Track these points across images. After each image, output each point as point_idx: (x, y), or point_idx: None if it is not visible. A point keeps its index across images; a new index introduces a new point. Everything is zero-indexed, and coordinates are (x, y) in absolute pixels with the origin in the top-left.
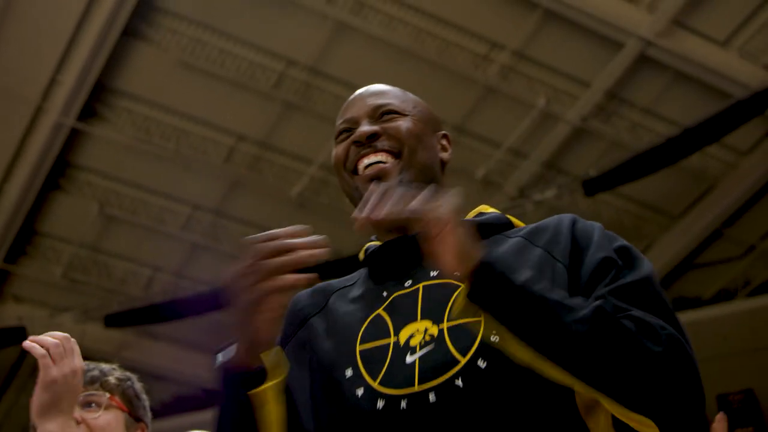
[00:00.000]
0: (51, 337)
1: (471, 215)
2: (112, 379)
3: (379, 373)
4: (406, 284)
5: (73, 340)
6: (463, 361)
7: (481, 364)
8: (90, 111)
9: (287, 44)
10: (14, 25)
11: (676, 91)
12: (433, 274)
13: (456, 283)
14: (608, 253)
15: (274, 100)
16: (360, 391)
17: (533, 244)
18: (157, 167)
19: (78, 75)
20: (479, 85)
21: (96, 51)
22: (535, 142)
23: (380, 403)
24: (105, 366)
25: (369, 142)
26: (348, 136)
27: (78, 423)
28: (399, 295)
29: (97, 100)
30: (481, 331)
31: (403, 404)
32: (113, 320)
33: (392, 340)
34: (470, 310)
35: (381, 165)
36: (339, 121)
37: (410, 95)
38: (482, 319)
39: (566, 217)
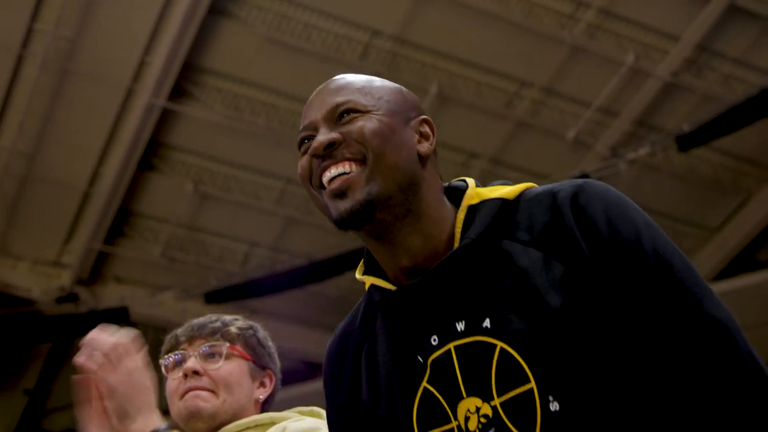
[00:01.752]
0: (97, 345)
1: (465, 203)
2: (233, 329)
3: None
4: (433, 341)
5: (124, 342)
6: None
7: None
8: (180, 91)
9: (371, 15)
10: (102, 11)
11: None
12: (459, 328)
13: (487, 339)
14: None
15: (360, 70)
16: None
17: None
18: (249, 143)
19: (167, 55)
20: (566, 44)
21: (183, 31)
22: (625, 100)
23: None
24: (227, 317)
25: (328, 153)
26: (309, 146)
27: (199, 375)
28: (434, 361)
29: (186, 79)
30: (537, 401)
31: None
32: (213, 297)
33: (454, 425)
34: (517, 376)
35: (345, 176)
36: (300, 127)
37: (376, 83)
38: (534, 385)
39: (565, 201)
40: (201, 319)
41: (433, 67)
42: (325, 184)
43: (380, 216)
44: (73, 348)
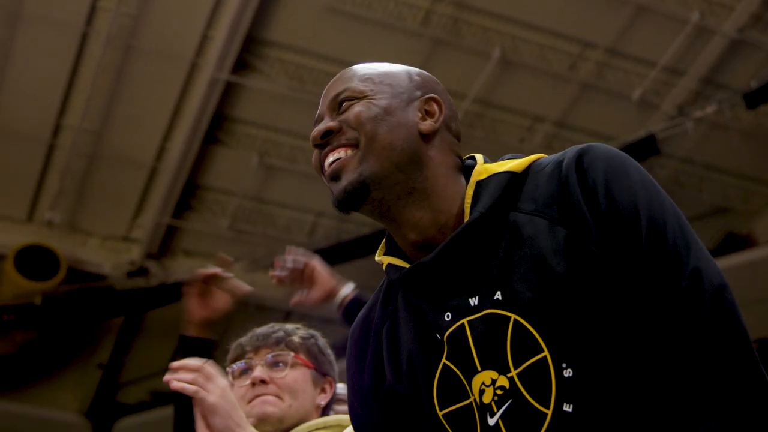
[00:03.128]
0: (187, 368)
1: (474, 179)
2: (296, 338)
3: None
4: (447, 317)
5: (207, 364)
6: (550, 411)
7: (568, 408)
8: (243, 64)
9: None
10: None
11: None
12: (473, 303)
13: (500, 312)
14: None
15: (422, 37)
16: None
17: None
18: (313, 114)
19: (228, 29)
20: (631, 3)
21: (244, 4)
22: (691, 58)
23: None
24: (289, 326)
25: (326, 141)
26: None
27: (266, 383)
28: (450, 336)
29: (249, 52)
30: (552, 369)
31: None
32: None
33: (472, 399)
34: (530, 347)
35: (339, 160)
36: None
37: (380, 69)
38: (547, 353)
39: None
40: (264, 329)
41: (495, 31)
42: (325, 169)
43: (377, 195)
44: (145, 321)
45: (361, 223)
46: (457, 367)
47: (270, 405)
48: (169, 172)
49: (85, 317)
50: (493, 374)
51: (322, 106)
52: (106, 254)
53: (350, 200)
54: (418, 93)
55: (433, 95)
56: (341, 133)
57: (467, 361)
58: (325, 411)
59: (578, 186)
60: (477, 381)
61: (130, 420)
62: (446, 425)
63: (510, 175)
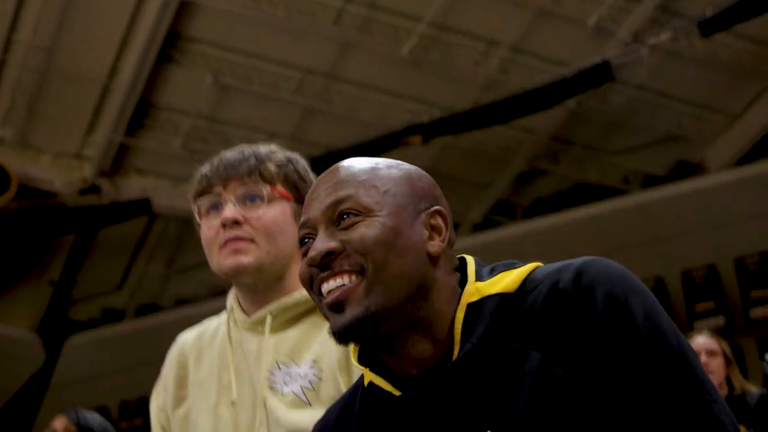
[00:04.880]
0: None
1: (465, 301)
2: (271, 166)
3: None
4: None
5: None
6: None
7: None
8: None
9: None
10: None
11: None
12: None
13: None
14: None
15: None
16: None
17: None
18: (268, 33)
19: None
20: None
21: None
22: None
23: None
24: (261, 149)
25: (326, 263)
26: (308, 248)
27: (240, 224)
28: None
29: None
30: None
31: None
32: None
33: None
34: None
35: (342, 288)
36: (300, 221)
37: (381, 172)
38: None
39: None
40: (233, 154)
41: None
42: (324, 294)
43: (383, 329)
44: (97, 239)
45: (312, 144)
46: None
47: (243, 255)
48: (122, 89)
49: (37, 234)
50: None
51: (315, 210)
52: (58, 171)
53: (354, 336)
54: (423, 205)
55: (438, 208)
56: (344, 256)
57: None
58: None
59: (576, 314)
60: None
61: (82, 336)
62: None
63: (501, 298)
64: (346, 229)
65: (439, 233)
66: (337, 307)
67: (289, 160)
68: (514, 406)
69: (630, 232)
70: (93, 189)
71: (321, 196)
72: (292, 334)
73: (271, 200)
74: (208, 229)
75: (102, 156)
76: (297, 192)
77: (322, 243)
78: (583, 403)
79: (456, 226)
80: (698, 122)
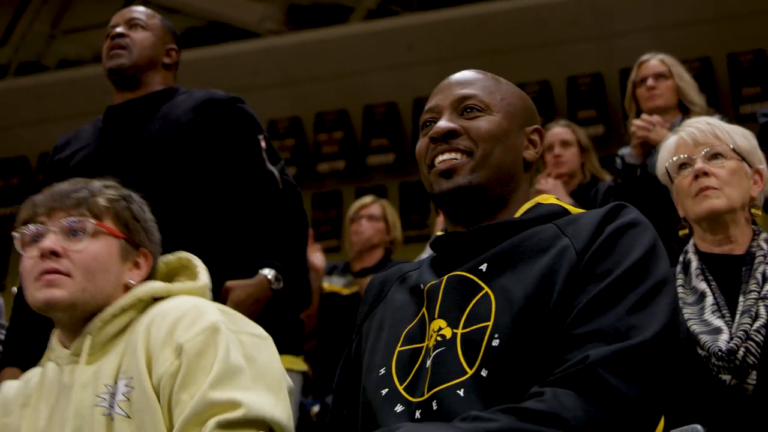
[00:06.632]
0: None
1: (525, 208)
2: (101, 200)
3: (407, 377)
4: (438, 274)
5: None
6: (470, 372)
7: (484, 373)
8: None
9: None
10: None
11: None
12: (464, 266)
13: (477, 281)
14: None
15: None
16: (385, 392)
17: (564, 233)
18: None
19: None
20: None
21: None
22: None
23: (399, 408)
24: (97, 184)
25: (445, 140)
26: (430, 129)
27: (59, 256)
28: (429, 287)
29: None
30: (486, 337)
31: (418, 414)
32: None
33: (426, 343)
34: (483, 316)
35: (453, 161)
36: (425, 108)
37: (503, 84)
38: (490, 324)
39: (603, 216)
40: (65, 185)
41: None
42: (436, 164)
43: (475, 201)
44: None
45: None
46: (427, 314)
47: (56, 287)
48: None
49: None
50: (443, 323)
51: (443, 99)
52: None
53: (456, 197)
54: (528, 120)
55: (539, 127)
56: (462, 138)
57: (431, 308)
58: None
59: (599, 223)
60: (433, 327)
61: None
62: (394, 360)
63: (564, 209)
64: (468, 119)
65: (535, 146)
66: (446, 173)
67: (124, 197)
68: (517, 262)
69: (521, 35)
70: None
71: (449, 90)
72: (111, 357)
73: (96, 235)
74: (28, 259)
75: None
76: (128, 230)
77: (446, 123)
78: (564, 295)
79: (350, 10)
80: None
